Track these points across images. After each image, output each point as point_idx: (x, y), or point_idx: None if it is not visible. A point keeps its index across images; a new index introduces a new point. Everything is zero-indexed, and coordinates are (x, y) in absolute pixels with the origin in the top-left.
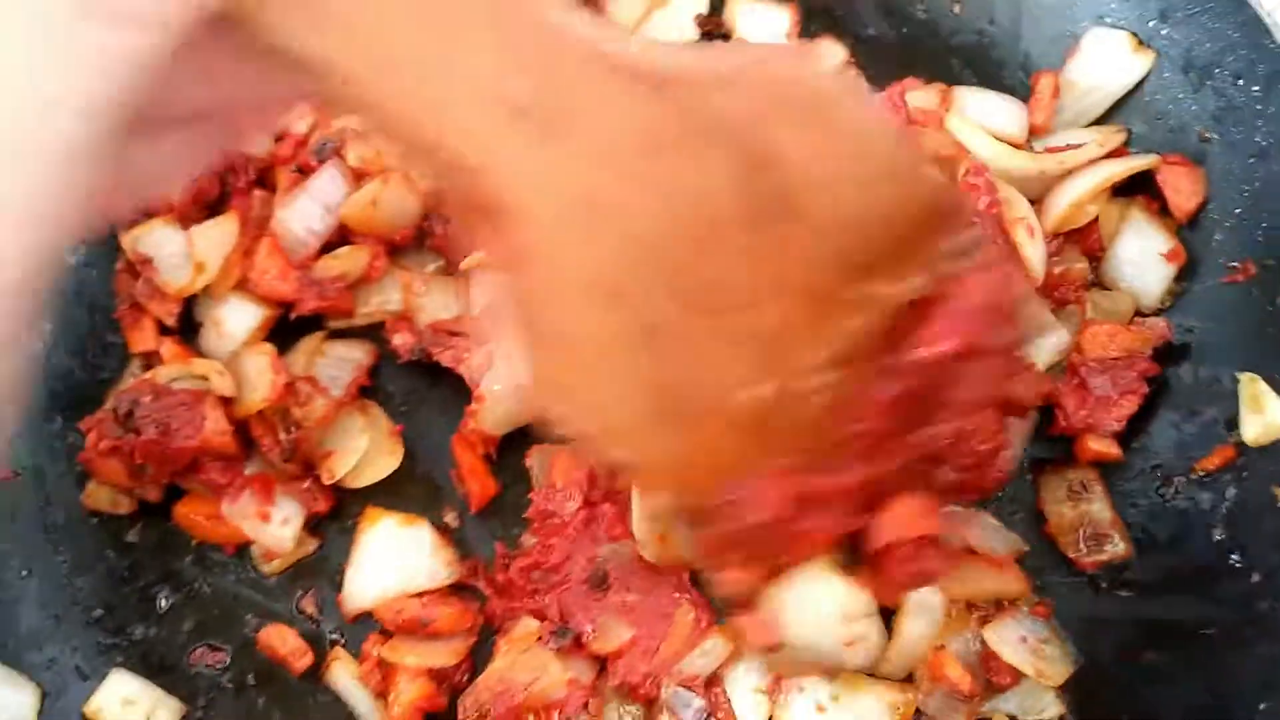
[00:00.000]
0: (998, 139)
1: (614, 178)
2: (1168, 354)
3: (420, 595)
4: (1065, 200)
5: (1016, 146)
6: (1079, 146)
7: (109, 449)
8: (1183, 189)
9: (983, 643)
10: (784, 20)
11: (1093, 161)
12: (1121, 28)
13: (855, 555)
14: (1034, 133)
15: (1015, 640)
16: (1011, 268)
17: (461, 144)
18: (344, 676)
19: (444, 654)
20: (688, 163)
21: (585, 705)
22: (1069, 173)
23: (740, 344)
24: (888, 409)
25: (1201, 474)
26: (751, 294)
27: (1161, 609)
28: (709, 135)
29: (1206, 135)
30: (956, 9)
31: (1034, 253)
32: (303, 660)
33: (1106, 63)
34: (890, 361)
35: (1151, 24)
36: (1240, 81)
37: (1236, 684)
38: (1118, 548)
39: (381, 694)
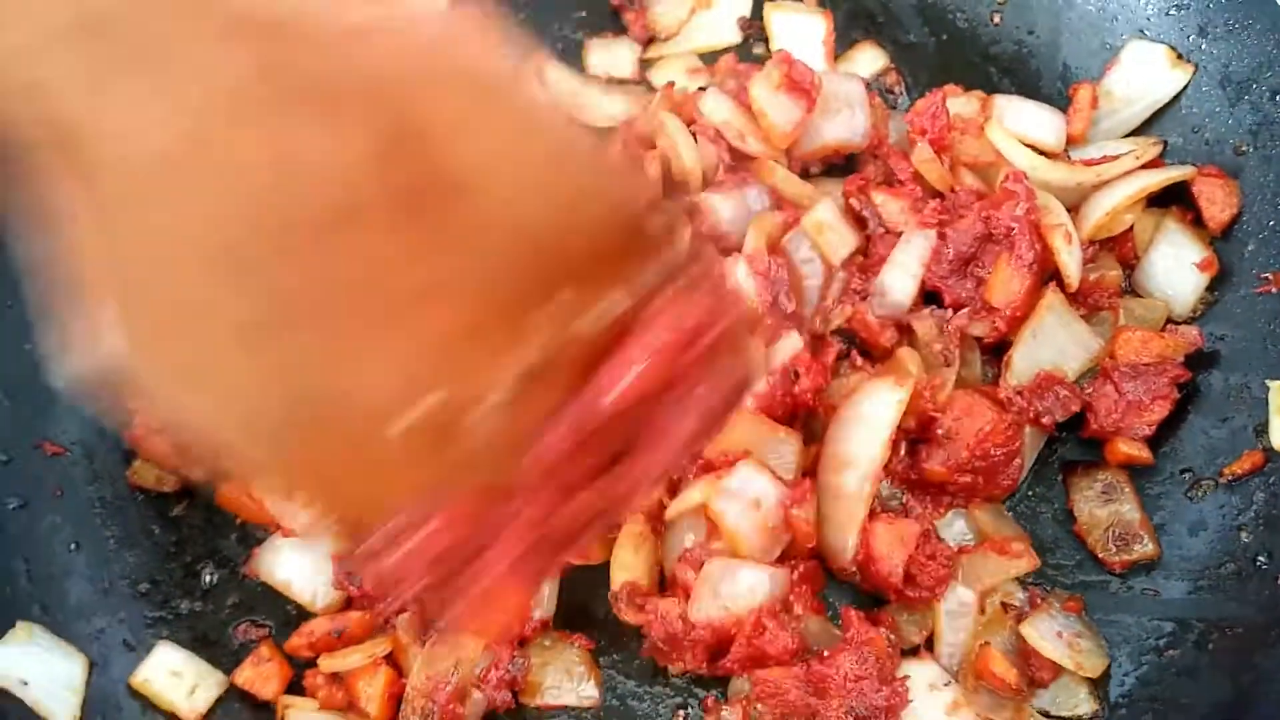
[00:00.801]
0: (1036, 149)
1: (222, 128)
2: (1199, 361)
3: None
4: (1102, 209)
5: (1053, 156)
6: (1116, 158)
7: (157, 426)
8: (1217, 200)
9: (1021, 639)
10: (820, 27)
11: (1129, 172)
12: (1161, 42)
13: (877, 593)
14: (1071, 142)
15: (1052, 635)
16: (729, 297)
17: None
18: (306, 715)
19: (381, 644)
20: (314, 123)
21: (512, 657)
22: (1106, 183)
23: (396, 347)
24: (574, 447)
25: (1230, 478)
26: (409, 291)
27: (1189, 609)
28: (337, 93)
29: (1243, 149)
30: (996, 19)
31: (1070, 259)
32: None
33: (1145, 76)
34: (578, 395)
35: (1191, 39)
36: (1278, 97)
37: (1263, 680)
38: (1146, 548)
39: (351, 706)
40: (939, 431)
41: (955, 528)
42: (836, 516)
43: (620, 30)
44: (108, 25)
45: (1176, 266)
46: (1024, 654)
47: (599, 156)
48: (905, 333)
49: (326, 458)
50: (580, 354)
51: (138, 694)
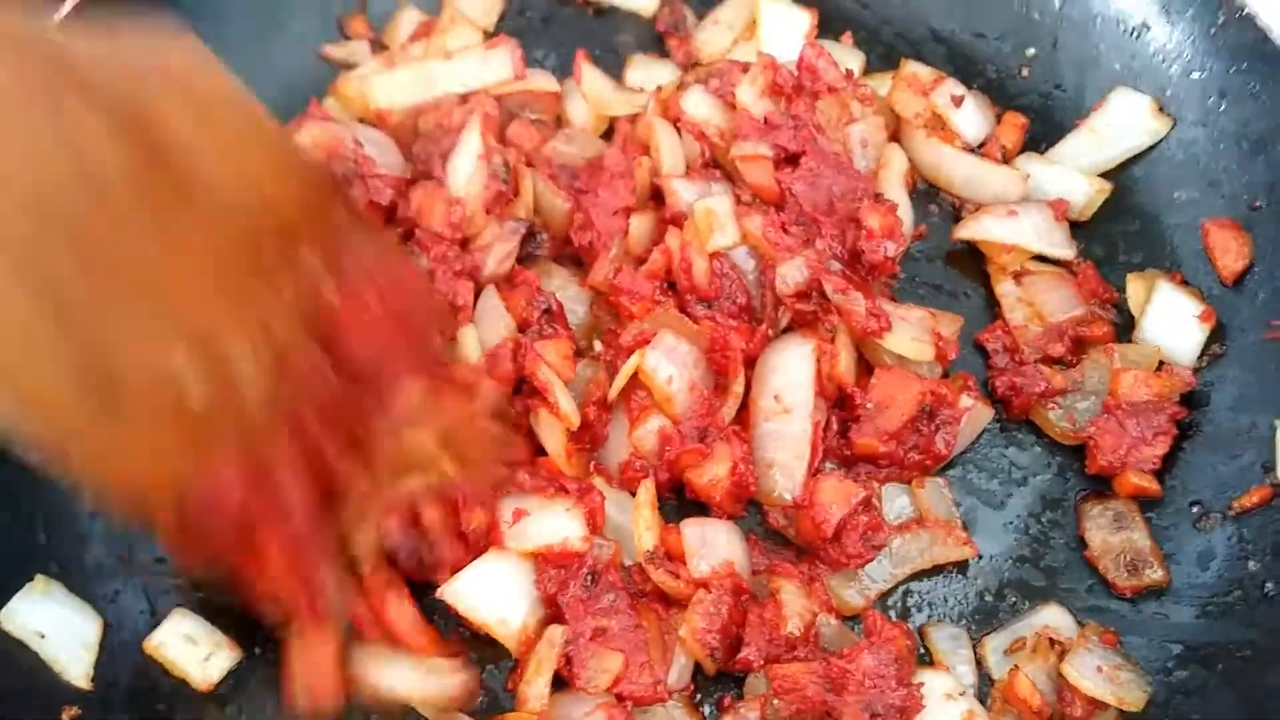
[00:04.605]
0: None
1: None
2: (1206, 401)
3: None
4: None
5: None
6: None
7: None
8: (1231, 251)
9: (1060, 675)
10: (804, 21)
11: None
12: (1181, 102)
13: (812, 551)
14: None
15: (1093, 671)
16: (415, 271)
17: None
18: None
19: None
20: (63, 120)
21: None
22: None
23: (156, 315)
24: (323, 405)
25: (1238, 511)
26: (158, 260)
27: (1198, 632)
28: (81, 94)
29: (1256, 204)
30: (1025, 72)
31: None
32: None
33: (1127, 121)
34: (316, 361)
35: (1210, 100)
36: None
37: (1271, 698)
38: (1156, 574)
39: None
40: (867, 405)
41: (898, 503)
42: (782, 457)
43: (663, 54)
44: None
45: (1176, 322)
46: (1061, 688)
47: (293, 150)
48: None
49: (114, 423)
50: (302, 319)
51: (152, 659)
